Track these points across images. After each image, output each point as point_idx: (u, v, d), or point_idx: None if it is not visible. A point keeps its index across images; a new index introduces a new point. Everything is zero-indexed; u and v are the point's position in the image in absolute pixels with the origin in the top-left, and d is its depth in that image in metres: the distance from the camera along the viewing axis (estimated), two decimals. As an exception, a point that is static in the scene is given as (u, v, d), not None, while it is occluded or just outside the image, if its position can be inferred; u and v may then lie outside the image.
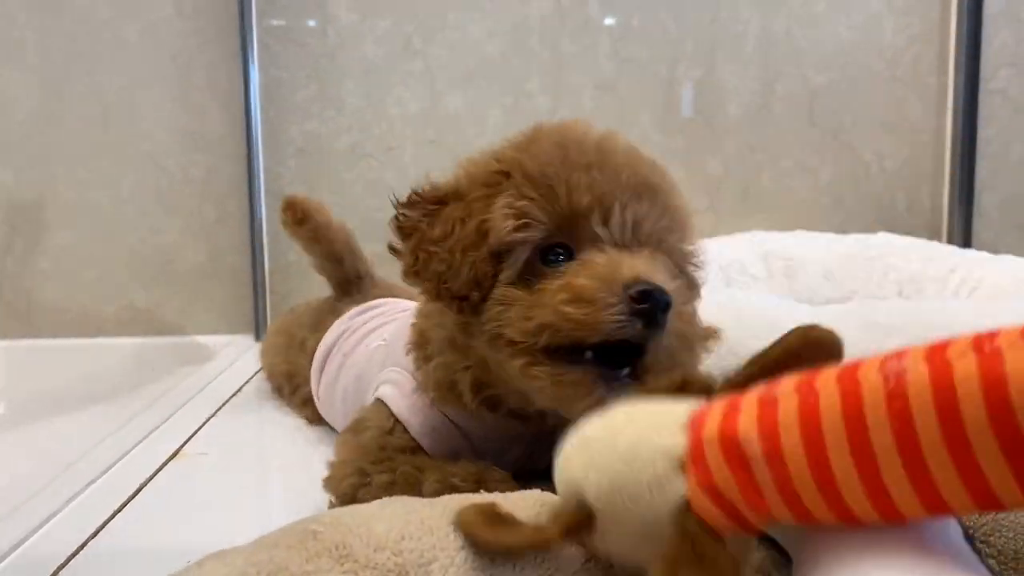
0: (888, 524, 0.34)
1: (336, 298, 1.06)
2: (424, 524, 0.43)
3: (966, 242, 1.43)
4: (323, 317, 0.98)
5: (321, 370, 0.90)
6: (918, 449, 0.31)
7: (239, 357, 1.31)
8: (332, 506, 0.66)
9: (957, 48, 1.43)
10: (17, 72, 1.47)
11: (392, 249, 0.62)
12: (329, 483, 0.66)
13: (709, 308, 0.78)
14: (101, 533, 0.66)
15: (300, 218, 1.03)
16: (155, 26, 1.47)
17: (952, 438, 0.30)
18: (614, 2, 1.46)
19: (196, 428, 0.96)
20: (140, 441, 0.91)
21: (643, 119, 1.48)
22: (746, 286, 1.20)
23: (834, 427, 0.33)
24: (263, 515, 0.73)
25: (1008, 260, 1.12)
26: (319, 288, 1.49)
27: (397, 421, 0.66)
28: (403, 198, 0.62)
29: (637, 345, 0.53)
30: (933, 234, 1.46)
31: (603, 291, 0.51)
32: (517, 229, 0.55)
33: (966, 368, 0.30)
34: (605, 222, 0.55)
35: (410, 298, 0.93)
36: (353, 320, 0.92)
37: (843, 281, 1.22)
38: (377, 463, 0.64)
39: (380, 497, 0.60)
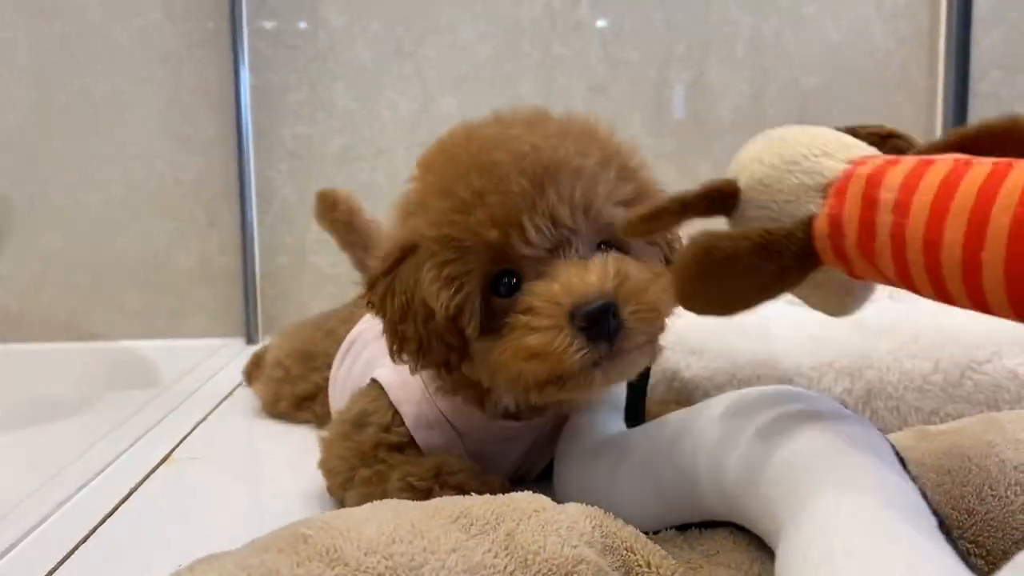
0: (971, 305, 0.36)
1: None
2: (415, 527, 0.43)
3: (956, 243, 1.44)
4: (353, 311, 0.99)
5: (343, 357, 0.90)
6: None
7: (230, 361, 1.31)
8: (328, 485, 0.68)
9: (947, 50, 1.44)
10: (7, 74, 1.46)
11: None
12: (328, 472, 0.68)
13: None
14: (91, 538, 0.66)
15: (330, 206, 1.05)
16: (146, 29, 1.46)
17: None
18: (605, 4, 1.47)
19: (187, 432, 0.95)
20: (131, 445, 0.90)
21: (635, 121, 1.48)
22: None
23: (966, 197, 0.35)
24: (254, 519, 0.72)
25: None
26: (310, 292, 1.50)
27: (396, 414, 0.67)
28: (366, 283, 0.62)
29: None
30: (923, 236, 1.47)
31: (552, 339, 0.52)
32: (454, 295, 0.55)
33: None
34: (525, 241, 0.54)
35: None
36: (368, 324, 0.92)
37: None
38: (367, 463, 0.65)
39: (360, 492, 0.63)
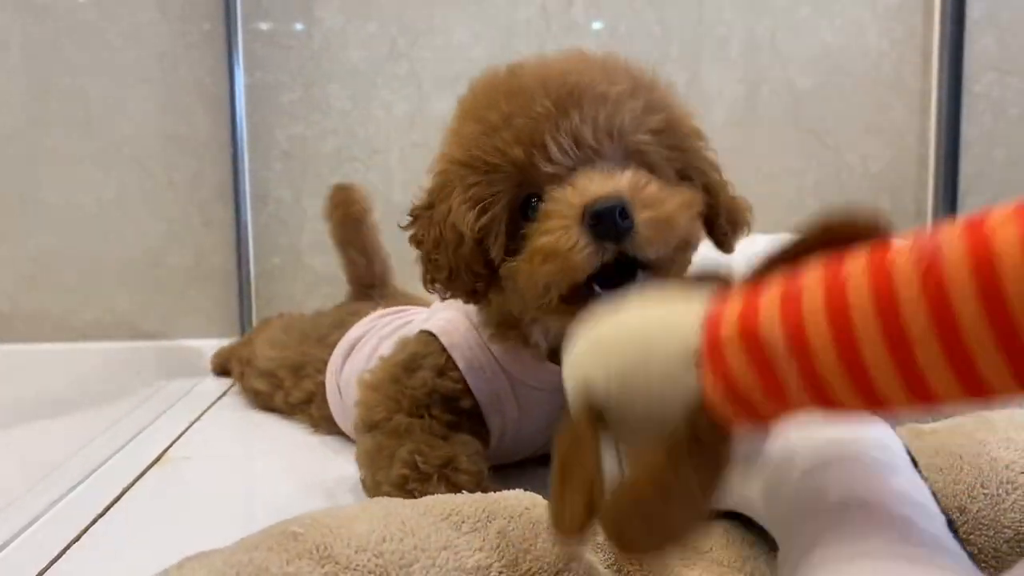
0: (920, 408, 0.32)
1: (353, 299, 1.08)
2: (405, 525, 0.43)
3: (949, 244, 1.44)
4: (344, 317, 1.00)
5: (344, 359, 0.90)
6: (956, 328, 0.29)
7: (224, 361, 1.31)
8: (358, 426, 0.69)
9: (940, 52, 1.44)
10: (1, 75, 1.46)
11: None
12: (368, 409, 0.69)
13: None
14: (84, 537, 0.66)
15: (348, 200, 1.08)
16: (140, 29, 1.46)
17: (995, 314, 0.28)
18: (599, 6, 1.47)
19: (180, 432, 0.95)
20: (124, 445, 0.90)
21: (629, 122, 1.48)
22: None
23: (864, 312, 0.31)
24: (247, 519, 0.72)
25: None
26: (304, 292, 1.50)
27: (449, 358, 0.68)
28: (407, 216, 0.65)
29: (631, 258, 0.54)
30: (917, 236, 1.47)
31: (561, 238, 0.53)
32: (480, 215, 0.57)
33: (1008, 235, 0.28)
34: (548, 159, 0.55)
35: (427, 306, 0.95)
36: (382, 319, 0.93)
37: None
38: (416, 407, 0.66)
39: (385, 435, 0.65)
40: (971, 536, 0.49)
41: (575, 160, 0.56)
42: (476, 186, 0.57)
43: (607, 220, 0.52)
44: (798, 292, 0.34)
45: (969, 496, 0.50)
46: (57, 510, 0.72)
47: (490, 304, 0.65)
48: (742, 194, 0.69)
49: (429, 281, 0.63)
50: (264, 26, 1.47)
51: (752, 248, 1.32)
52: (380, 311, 0.96)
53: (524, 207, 0.58)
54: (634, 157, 0.58)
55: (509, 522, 0.45)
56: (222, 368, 1.27)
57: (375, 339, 0.87)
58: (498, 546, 0.44)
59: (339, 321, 0.99)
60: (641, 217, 0.53)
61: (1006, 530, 0.49)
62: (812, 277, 0.34)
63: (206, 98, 1.47)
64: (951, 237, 0.30)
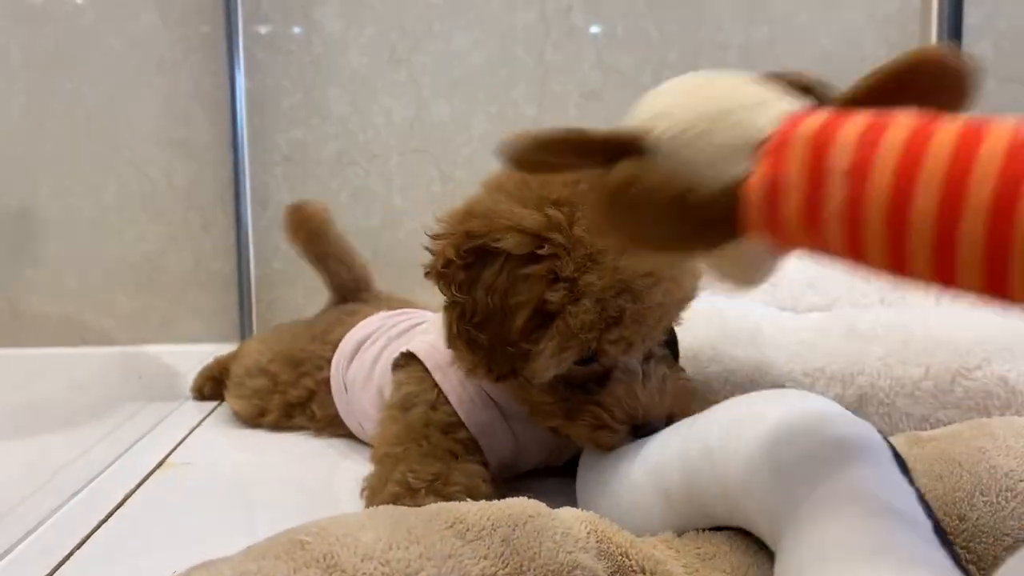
0: (934, 279, 0.32)
1: (335, 303, 1.07)
2: (411, 534, 0.43)
3: (947, 250, 1.45)
4: (342, 316, 1.00)
5: (350, 358, 0.90)
6: (1012, 222, 0.28)
7: (224, 366, 1.31)
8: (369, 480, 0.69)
9: (937, 58, 1.45)
10: (1, 80, 1.46)
11: (429, 276, 0.66)
12: (375, 450, 0.71)
13: (694, 317, 0.79)
14: (86, 544, 0.66)
15: (304, 218, 1.07)
16: (140, 33, 1.46)
17: None
18: (599, 11, 1.47)
19: (182, 438, 0.95)
20: (125, 451, 0.90)
21: (628, 127, 1.48)
22: (728, 294, 1.20)
23: (933, 174, 0.30)
24: (249, 525, 0.73)
25: (988, 268, 1.14)
26: (305, 296, 1.50)
27: (441, 392, 0.70)
28: (437, 260, 0.64)
29: None
30: (914, 242, 1.48)
31: (617, 439, 0.63)
32: (556, 366, 0.61)
33: None
34: (627, 352, 0.62)
35: (425, 309, 0.98)
36: (390, 319, 0.93)
37: (826, 289, 1.23)
38: (417, 440, 0.68)
39: (384, 462, 0.66)
40: (971, 543, 0.49)
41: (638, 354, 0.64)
42: (569, 348, 0.60)
43: (649, 430, 0.62)
44: (883, 127, 0.33)
45: (969, 504, 0.50)
46: (59, 516, 0.72)
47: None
48: None
49: (454, 340, 0.64)
50: (264, 30, 1.47)
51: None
52: (385, 312, 0.96)
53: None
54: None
55: (514, 530, 0.45)
56: (203, 390, 1.17)
57: (383, 339, 0.88)
58: (502, 554, 0.44)
59: (338, 319, 0.99)
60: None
61: (1006, 537, 0.49)
62: (903, 120, 0.33)
63: (206, 102, 1.48)
64: None
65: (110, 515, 0.72)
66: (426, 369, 0.72)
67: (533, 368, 0.61)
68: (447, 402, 0.70)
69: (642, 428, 0.62)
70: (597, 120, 1.48)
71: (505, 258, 0.59)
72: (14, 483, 0.83)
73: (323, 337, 0.97)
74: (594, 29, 1.48)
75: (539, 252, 0.59)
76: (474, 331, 0.61)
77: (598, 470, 0.63)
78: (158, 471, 0.84)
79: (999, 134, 0.30)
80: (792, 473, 0.44)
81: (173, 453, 0.90)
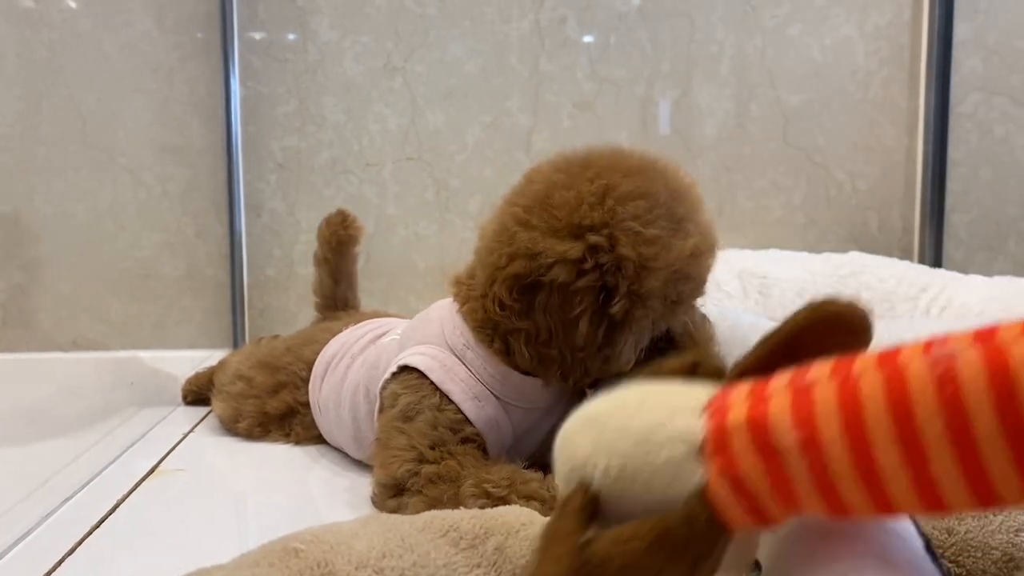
0: (932, 514, 0.33)
1: (321, 319, 1.09)
2: (404, 542, 0.44)
3: (936, 261, 1.46)
4: (316, 333, 1.01)
5: (323, 378, 0.91)
6: (971, 439, 0.29)
7: (217, 372, 1.31)
8: (377, 491, 0.71)
9: (927, 72, 1.46)
10: (-5, 84, 1.46)
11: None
12: (383, 468, 0.70)
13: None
14: (78, 550, 0.66)
15: (345, 222, 1.10)
16: (135, 39, 1.47)
17: (1011, 428, 0.29)
18: (592, 22, 1.48)
19: (174, 444, 0.95)
20: (117, 457, 0.90)
21: (621, 137, 1.49)
22: (721, 304, 1.21)
23: (878, 416, 0.31)
24: (242, 532, 0.73)
25: (977, 280, 1.15)
26: (297, 303, 1.50)
27: (442, 394, 0.71)
28: (489, 306, 0.68)
29: None
30: (904, 253, 1.49)
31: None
32: (637, 342, 0.67)
33: (1022, 352, 0.29)
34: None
35: (388, 316, 1.00)
36: (352, 333, 0.94)
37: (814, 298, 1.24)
38: (432, 448, 0.69)
39: (426, 487, 0.66)
40: (960, 558, 0.50)
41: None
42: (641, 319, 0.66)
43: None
44: (809, 387, 0.34)
45: (957, 518, 0.50)
46: (51, 522, 0.72)
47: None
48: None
49: (528, 364, 0.68)
50: (260, 38, 1.48)
51: (736, 266, 1.33)
52: (349, 328, 0.96)
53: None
54: None
55: (506, 538, 0.46)
56: (187, 398, 1.18)
57: (347, 359, 0.89)
58: (495, 562, 0.44)
59: (311, 336, 1.00)
60: None
61: (994, 551, 0.49)
62: (822, 373, 0.34)
63: (201, 109, 1.48)
64: (963, 346, 0.30)
65: (102, 521, 0.72)
66: (421, 376, 0.72)
67: (616, 365, 0.66)
68: (451, 402, 0.71)
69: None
70: (590, 130, 1.49)
71: (552, 282, 0.64)
72: (5, 488, 0.83)
73: (296, 353, 0.97)
74: (587, 40, 1.49)
75: (584, 268, 0.63)
76: (543, 348, 0.66)
77: None
78: (150, 477, 0.84)
79: (916, 365, 0.31)
80: None
81: (166, 459, 0.90)
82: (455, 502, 0.64)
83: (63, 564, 0.63)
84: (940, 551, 0.50)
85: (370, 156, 1.50)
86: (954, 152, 1.48)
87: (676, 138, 1.51)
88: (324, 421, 0.90)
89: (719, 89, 1.50)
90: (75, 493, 0.79)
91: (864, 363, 0.33)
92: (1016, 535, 0.50)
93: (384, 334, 0.89)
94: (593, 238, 0.62)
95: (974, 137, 1.48)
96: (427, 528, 0.46)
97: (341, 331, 0.96)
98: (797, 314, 0.38)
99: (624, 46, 1.49)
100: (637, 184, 0.64)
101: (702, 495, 0.35)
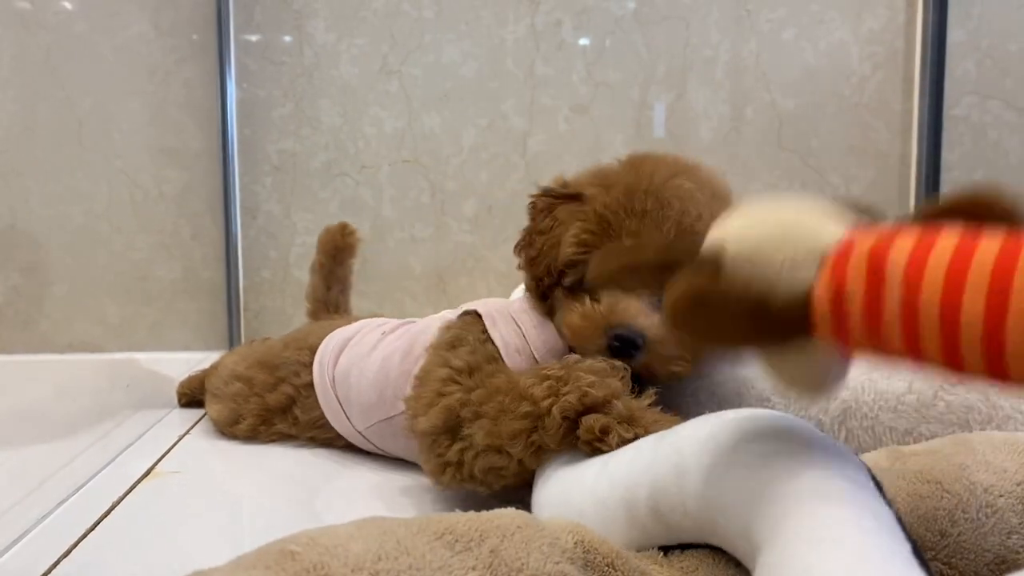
0: (987, 373, 0.35)
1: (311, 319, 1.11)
2: (400, 544, 0.44)
3: (930, 264, 1.46)
4: (313, 327, 1.03)
5: (340, 352, 0.92)
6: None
7: (212, 374, 1.31)
8: (428, 445, 0.70)
9: (922, 76, 1.47)
10: (-9, 86, 1.46)
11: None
12: (429, 409, 0.70)
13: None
14: (73, 553, 0.66)
15: (345, 232, 1.16)
16: (132, 42, 1.47)
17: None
18: (588, 26, 1.49)
19: (169, 446, 0.95)
20: (113, 459, 0.90)
21: (616, 140, 1.50)
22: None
23: (981, 273, 0.35)
24: (238, 534, 0.73)
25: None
26: (292, 305, 1.50)
27: (488, 335, 0.76)
28: (545, 187, 0.79)
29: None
30: (898, 256, 1.49)
31: (588, 333, 0.70)
32: (576, 254, 0.71)
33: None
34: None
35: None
36: (370, 321, 0.97)
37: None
38: (470, 374, 0.71)
39: (483, 405, 0.67)
40: (953, 560, 0.50)
41: None
42: (591, 235, 0.71)
43: (626, 345, 0.68)
44: (932, 241, 0.38)
45: (950, 520, 0.51)
46: (46, 525, 0.72)
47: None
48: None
49: (519, 248, 0.80)
50: (255, 40, 1.48)
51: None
52: (362, 320, 0.98)
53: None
54: None
55: (502, 541, 0.46)
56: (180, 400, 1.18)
57: (375, 335, 0.91)
58: (491, 565, 0.44)
59: (310, 330, 1.01)
60: (649, 350, 0.69)
61: (987, 553, 0.50)
62: (950, 235, 0.38)
63: (197, 111, 1.48)
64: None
65: (98, 523, 0.72)
66: (478, 317, 0.78)
67: (560, 255, 0.73)
68: (492, 342, 0.75)
69: (615, 333, 0.68)
70: (586, 133, 1.49)
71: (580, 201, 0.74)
72: (1, 491, 0.83)
73: (298, 344, 0.98)
74: (583, 43, 1.49)
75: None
76: (535, 237, 0.77)
77: (559, 481, 0.63)
78: (146, 479, 0.84)
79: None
80: (769, 494, 0.44)
81: (161, 461, 0.90)
82: (519, 400, 0.65)
83: (58, 566, 0.63)
84: (934, 553, 0.50)
85: (366, 159, 1.50)
86: (948, 155, 1.48)
87: (671, 142, 1.51)
88: (331, 398, 0.90)
89: (714, 93, 1.50)
90: (71, 495, 0.79)
91: (989, 239, 0.36)
92: (1008, 538, 0.51)
93: (403, 324, 0.93)
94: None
95: (968, 140, 1.48)
96: (423, 531, 0.46)
97: (343, 324, 0.98)
98: (956, 195, 0.42)
99: (619, 50, 1.49)
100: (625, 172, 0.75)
101: (806, 295, 0.41)
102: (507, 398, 0.65)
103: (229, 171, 1.46)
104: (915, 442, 0.66)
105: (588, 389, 0.63)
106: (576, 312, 0.71)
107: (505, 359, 0.74)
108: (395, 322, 0.95)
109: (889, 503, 0.44)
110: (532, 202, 0.79)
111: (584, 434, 0.62)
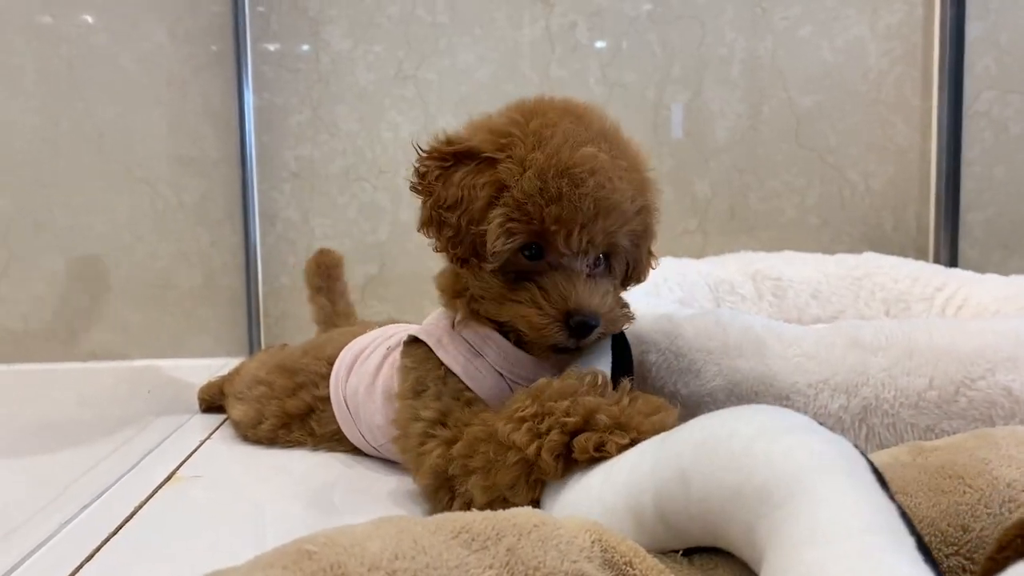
0: None
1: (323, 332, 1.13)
2: (417, 544, 0.44)
3: (952, 261, 1.45)
4: (331, 336, 1.03)
5: (350, 369, 0.92)
6: None
7: (233, 380, 1.31)
8: (428, 496, 0.71)
9: (940, 71, 1.45)
10: (15, 99, 1.48)
11: (414, 190, 0.74)
12: (417, 469, 0.71)
13: (697, 330, 0.79)
14: (96, 556, 0.66)
15: (333, 262, 1.20)
16: (150, 52, 1.48)
17: None
18: (603, 27, 1.49)
19: (191, 451, 0.96)
20: (135, 465, 0.91)
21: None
22: (735, 306, 1.21)
23: None
24: (258, 537, 0.73)
25: (993, 279, 1.14)
26: (310, 311, 1.51)
27: (446, 368, 0.74)
28: (425, 147, 0.73)
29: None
30: (919, 253, 1.48)
31: (547, 329, 0.69)
32: (505, 239, 0.68)
33: None
34: (567, 240, 0.69)
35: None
36: (383, 331, 0.96)
37: (831, 300, 1.24)
38: (443, 424, 0.71)
39: (470, 460, 0.66)
40: (975, 555, 0.49)
41: (577, 250, 0.70)
42: (515, 223, 0.68)
43: (584, 328, 0.68)
44: None
45: (972, 515, 0.50)
46: (69, 530, 0.73)
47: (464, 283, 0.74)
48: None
49: (429, 228, 0.72)
50: (273, 49, 1.49)
51: (750, 268, 1.32)
52: (378, 329, 0.98)
53: (524, 247, 0.70)
54: (612, 249, 0.73)
55: (519, 539, 0.46)
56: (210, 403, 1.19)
57: (382, 349, 0.90)
58: (508, 563, 0.44)
59: (329, 339, 1.01)
60: (603, 324, 0.70)
61: (1008, 547, 0.49)
62: None
63: (215, 120, 1.49)
64: None
65: (119, 528, 0.72)
66: (430, 349, 0.76)
67: (488, 247, 0.68)
68: (454, 375, 0.74)
69: (575, 321, 0.68)
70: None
71: (477, 161, 0.70)
72: (25, 497, 0.83)
73: (316, 353, 0.98)
74: (598, 45, 1.49)
75: (504, 151, 0.69)
76: (445, 213, 0.70)
77: (568, 491, 0.63)
78: (167, 485, 0.84)
79: None
80: (770, 493, 0.44)
81: (182, 466, 0.90)
82: (504, 450, 0.64)
83: (82, 569, 0.64)
84: (956, 547, 0.49)
85: (383, 163, 1.51)
86: (968, 151, 1.47)
87: (688, 141, 1.51)
88: (345, 414, 0.90)
89: (730, 92, 1.50)
90: (93, 501, 0.79)
91: None
92: (1032, 533, 0.50)
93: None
94: (515, 115, 0.72)
95: (988, 135, 1.47)
96: (440, 530, 0.46)
97: (361, 333, 0.98)
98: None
99: (635, 50, 1.49)
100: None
101: None
102: (490, 449, 0.65)
103: (248, 178, 1.48)
104: (937, 438, 0.65)
105: (566, 419, 0.62)
106: (528, 307, 0.69)
107: (467, 381, 0.73)
108: (401, 333, 0.93)
109: (892, 497, 0.43)
110: (421, 168, 0.73)
111: (580, 455, 0.61)
